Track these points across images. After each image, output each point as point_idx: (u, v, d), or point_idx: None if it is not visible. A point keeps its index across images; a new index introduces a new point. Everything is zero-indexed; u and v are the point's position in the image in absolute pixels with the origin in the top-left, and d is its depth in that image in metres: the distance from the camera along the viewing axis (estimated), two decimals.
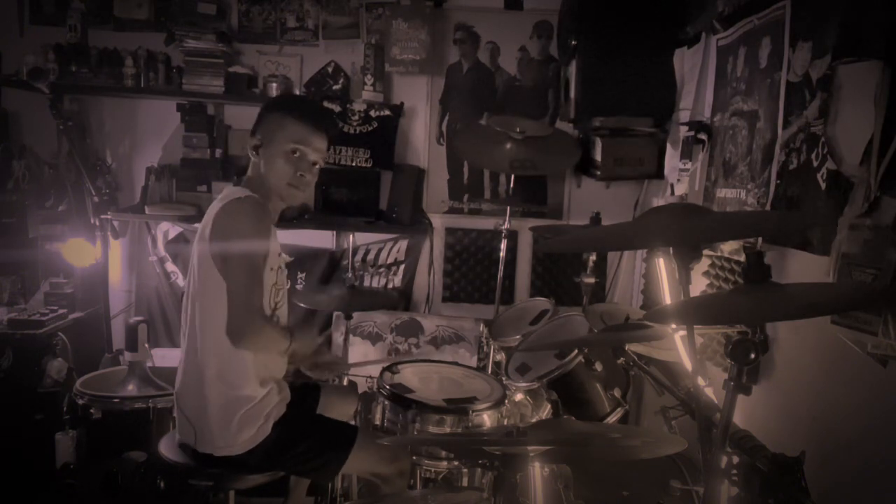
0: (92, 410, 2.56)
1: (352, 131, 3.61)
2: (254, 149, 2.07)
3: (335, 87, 3.71)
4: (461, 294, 3.86)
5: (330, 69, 3.74)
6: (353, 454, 2.03)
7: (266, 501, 2.30)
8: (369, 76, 3.62)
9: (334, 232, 3.79)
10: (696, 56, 2.89)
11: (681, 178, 2.96)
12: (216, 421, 1.96)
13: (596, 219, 2.76)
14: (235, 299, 1.90)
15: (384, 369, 2.30)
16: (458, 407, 2.09)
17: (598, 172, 3.26)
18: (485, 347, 3.16)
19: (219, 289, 1.92)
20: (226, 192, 2.05)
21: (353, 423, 2.36)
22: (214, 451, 1.97)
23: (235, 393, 1.96)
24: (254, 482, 2.04)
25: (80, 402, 2.58)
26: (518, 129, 3.10)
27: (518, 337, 2.56)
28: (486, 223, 3.78)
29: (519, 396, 2.32)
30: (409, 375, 2.31)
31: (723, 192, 2.55)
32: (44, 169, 3.59)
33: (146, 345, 2.76)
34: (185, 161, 3.66)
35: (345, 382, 2.69)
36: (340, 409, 2.35)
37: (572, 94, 3.26)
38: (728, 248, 2.41)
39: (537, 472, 2.04)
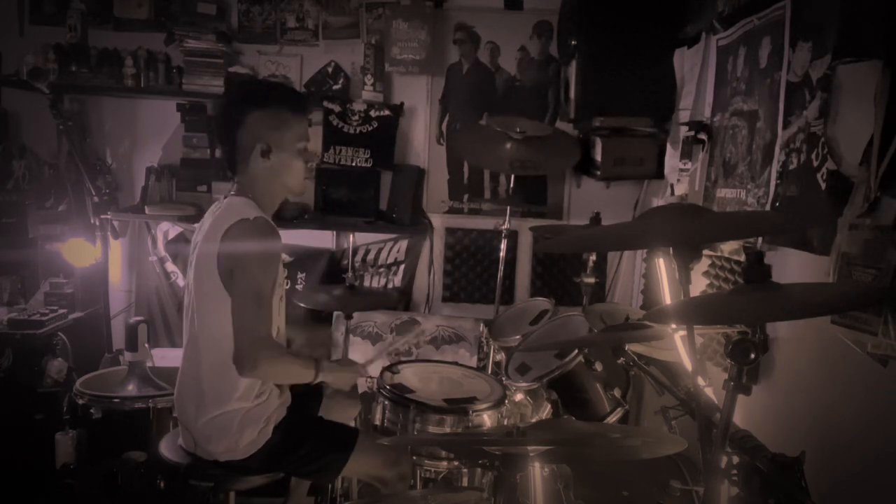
0: (92, 410, 2.56)
1: (352, 131, 3.61)
2: (264, 154, 1.98)
3: (335, 87, 3.71)
4: (461, 294, 3.85)
5: (330, 69, 3.73)
6: (354, 456, 2.02)
7: (266, 502, 2.30)
8: (369, 76, 3.62)
9: (334, 232, 3.79)
10: (696, 56, 2.89)
11: (681, 178, 2.96)
12: (216, 429, 1.95)
13: (596, 219, 2.76)
14: (243, 329, 1.83)
15: (384, 369, 2.30)
16: (458, 407, 2.09)
17: (598, 172, 3.26)
18: (485, 347, 3.16)
19: (223, 307, 1.88)
20: (231, 204, 1.98)
21: (353, 426, 2.36)
22: (217, 456, 1.97)
23: (234, 405, 1.95)
24: (254, 483, 2.04)
25: (80, 402, 2.58)
26: (518, 129, 3.09)
27: (518, 337, 2.56)
28: (486, 223, 3.78)
29: (519, 396, 2.32)
30: (409, 375, 2.31)
31: (723, 192, 2.55)
32: (44, 169, 3.59)
33: (146, 345, 2.76)
34: (185, 161, 3.66)
35: None
36: (342, 413, 2.35)
37: (572, 94, 3.26)
38: (728, 248, 2.41)
39: (537, 472, 2.04)
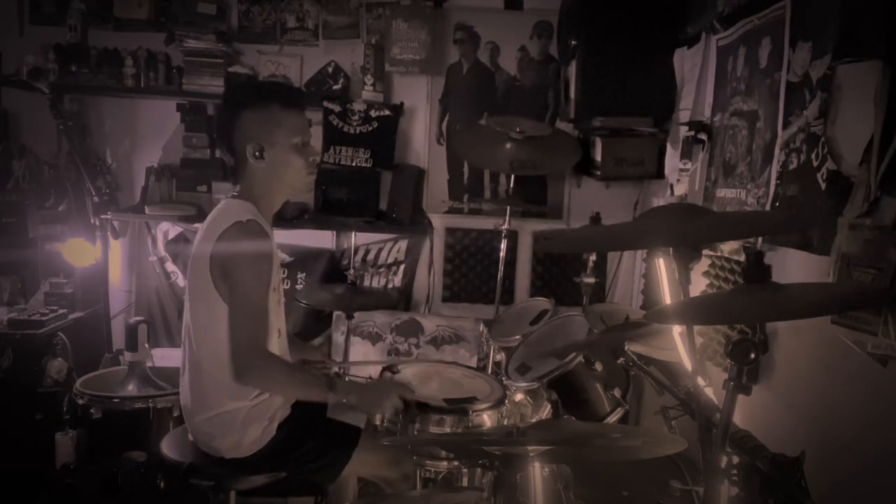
0: (92, 410, 2.55)
1: (352, 131, 3.61)
2: (257, 154, 1.96)
3: (335, 87, 3.71)
4: (461, 294, 3.85)
5: (330, 69, 3.73)
6: (357, 455, 2.03)
7: (266, 501, 2.30)
8: (369, 76, 3.62)
9: (334, 232, 3.79)
10: (696, 56, 2.89)
11: (681, 178, 2.96)
12: (219, 427, 1.96)
13: (596, 219, 2.76)
14: (237, 339, 1.83)
15: (384, 369, 2.30)
16: (458, 407, 2.09)
17: (598, 172, 3.26)
18: (485, 347, 3.16)
19: (214, 308, 1.88)
20: (226, 207, 1.99)
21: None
22: (223, 454, 1.98)
23: (232, 404, 1.95)
24: (255, 483, 2.03)
25: (80, 402, 2.57)
26: (518, 129, 3.09)
27: (518, 337, 2.56)
28: (486, 223, 3.77)
29: (519, 396, 2.31)
30: (409, 375, 2.31)
31: (723, 192, 2.55)
32: (44, 169, 3.59)
33: (146, 345, 2.75)
34: (185, 161, 3.66)
35: None
36: (351, 417, 2.33)
37: (572, 94, 3.25)
38: (728, 248, 2.41)
39: (537, 472, 2.03)
